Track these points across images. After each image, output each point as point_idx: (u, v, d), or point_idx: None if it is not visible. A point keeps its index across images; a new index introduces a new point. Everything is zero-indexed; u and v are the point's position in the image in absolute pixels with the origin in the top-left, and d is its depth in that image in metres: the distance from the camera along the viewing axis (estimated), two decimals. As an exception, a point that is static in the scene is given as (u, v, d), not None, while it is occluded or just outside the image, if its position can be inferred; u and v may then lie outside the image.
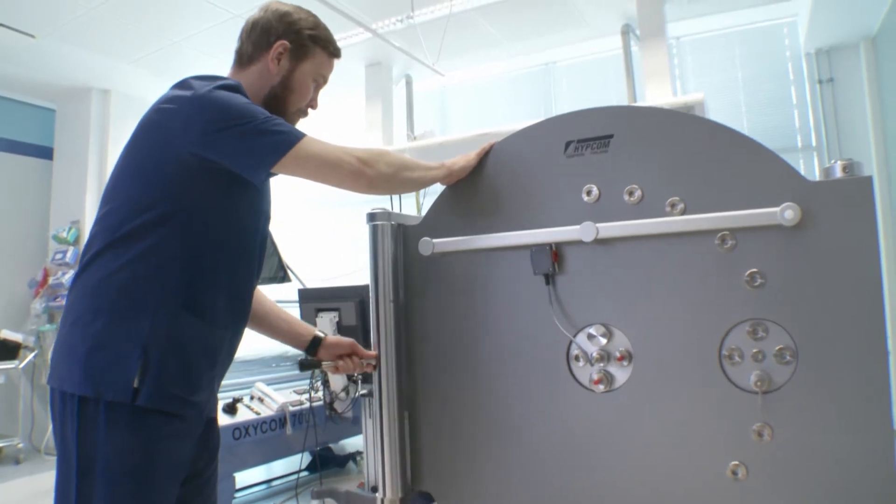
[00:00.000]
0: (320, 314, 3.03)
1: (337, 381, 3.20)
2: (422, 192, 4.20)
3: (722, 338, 1.36)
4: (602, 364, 1.47)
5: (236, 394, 3.36)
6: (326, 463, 3.87)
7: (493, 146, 1.66)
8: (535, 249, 1.53)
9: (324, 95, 1.62)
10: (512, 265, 1.58)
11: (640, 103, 4.15)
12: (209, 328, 1.37)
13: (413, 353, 1.70)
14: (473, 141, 3.61)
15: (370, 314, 1.71)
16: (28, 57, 4.68)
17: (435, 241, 1.67)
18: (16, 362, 4.88)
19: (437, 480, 1.65)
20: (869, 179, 1.27)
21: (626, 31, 4.46)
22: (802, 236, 1.30)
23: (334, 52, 1.59)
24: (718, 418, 1.35)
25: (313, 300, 3.12)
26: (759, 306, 1.33)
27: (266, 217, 1.54)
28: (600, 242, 1.48)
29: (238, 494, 3.49)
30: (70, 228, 5.29)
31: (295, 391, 3.60)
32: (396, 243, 1.73)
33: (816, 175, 1.32)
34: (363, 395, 3.06)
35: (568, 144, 1.55)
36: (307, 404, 3.38)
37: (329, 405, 3.23)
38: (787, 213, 1.30)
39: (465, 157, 1.66)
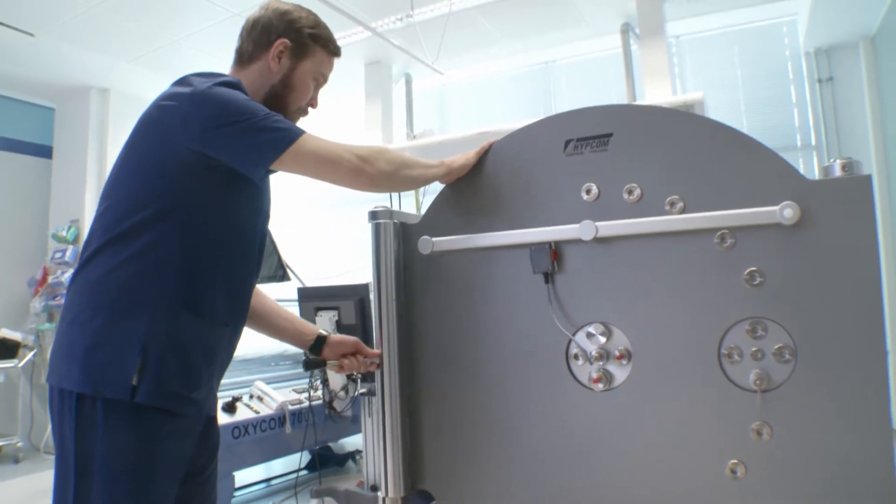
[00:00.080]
0: (319, 313, 3.03)
1: (336, 380, 3.19)
2: (421, 190, 4.22)
3: (721, 336, 1.36)
4: (601, 363, 1.47)
5: (235, 392, 3.36)
6: (326, 462, 3.87)
7: (493, 145, 1.66)
8: (535, 248, 1.53)
9: (323, 94, 1.62)
10: (511, 264, 1.58)
11: (639, 102, 4.15)
12: (208, 326, 1.37)
13: (413, 351, 1.70)
14: (473, 139, 3.60)
15: (373, 313, 1.71)
16: (27, 55, 4.68)
17: (434, 239, 1.67)
18: (15, 361, 4.88)
19: (436, 479, 1.65)
20: (868, 178, 1.27)
21: (626, 30, 4.47)
22: (801, 235, 1.30)
23: (334, 51, 1.59)
24: (717, 417, 1.35)
25: (313, 299, 3.12)
26: (758, 305, 1.33)
27: (265, 216, 1.54)
28: (599, 241, 1.48)
29: (237, 493, 3.49)
30: (69, 227, 5.29)
31: (294, 390, 3.60)
32: (399, 242, 1.72)
33: (816, 174, 1.32)
34: (362, 394, 3.06)
35: (567, 143, 1.55)
36: (306, 403, 3.38)
37: (328, 404, 3.22)
38: (786, 211, 1.30)
39: (464, 156, 1.66)
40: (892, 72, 3.89)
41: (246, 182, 1.40)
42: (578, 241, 1.50)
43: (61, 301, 4.99)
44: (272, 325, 1.68)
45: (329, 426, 3.43)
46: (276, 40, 1.50)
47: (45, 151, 5.71)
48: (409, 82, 5.58)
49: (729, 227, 1.36)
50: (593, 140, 1.52)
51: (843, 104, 4.26)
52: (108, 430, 1.23)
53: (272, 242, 3.56)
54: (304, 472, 3.70)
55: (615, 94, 4.89)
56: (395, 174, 1.49)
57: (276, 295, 1.76)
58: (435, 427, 1.66)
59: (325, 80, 1.60)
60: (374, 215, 1.71)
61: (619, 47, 4.52)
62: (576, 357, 1.50)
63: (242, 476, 3.57)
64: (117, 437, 1.23)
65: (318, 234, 6.07)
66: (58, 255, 5.24)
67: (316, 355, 1.69)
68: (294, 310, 2.89)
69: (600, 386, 1.46)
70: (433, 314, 1.68)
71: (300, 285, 3.44)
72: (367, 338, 1.75)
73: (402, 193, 4.06)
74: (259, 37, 1.51)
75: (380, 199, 2.11)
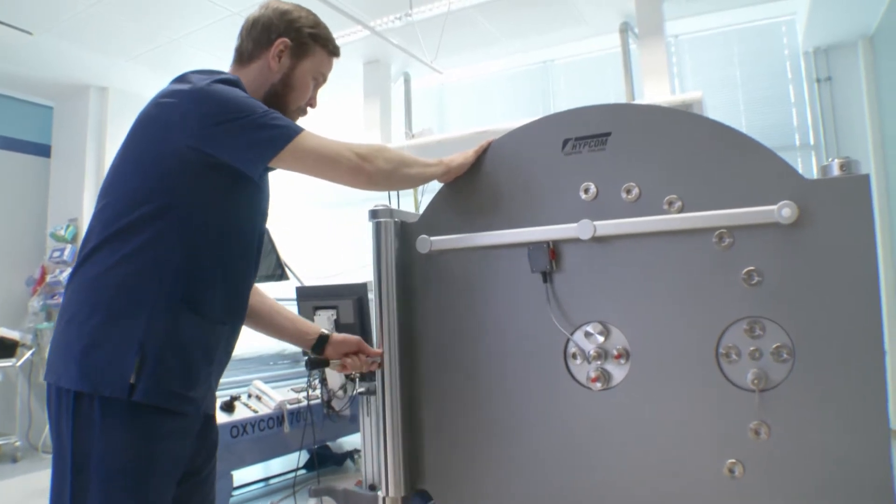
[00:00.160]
0: (318, 312, 3.03)
1: (335, 379, 3.19)
2: (420, 189, 4.21)
3: (719, 336, 1.36)
4: (599, 362, 1.47)
5: (234, 392, 3.36)
6: (324, 461, 3.87)
7: (491, 144, 1.66)
8: (533, 247, 1.53)
9: (322, 93, 1.62)
10: (510, 263, 1.58)
11: (638, 101, 4.16)
12: (207, 324, 1.36)
13: (413, 351, 1.70)
14: (471, 138, 3.60)
15: (374, 312, 1.70)
16: (26, 54, 4.67)
17: (432, 238, 1.67)
18: (13, 360, 4.87)
19: (436, 479, 1.65)
20: (866, 178, 1.27)
21: (625, 30, 4.47)
22: (800, 234, 1.30)
23: (334, 51, 1.60)
24: (715, 416, 1.35)
25: (311, 298, 3.12)
26: (756, 304, 1.33)
27: (264, 214, 1.54)
28: (598, 240, 1.48)
29: (236, 492, 3.49)
30: (68, 226, 5.29)
31: (293, 389, 3.60)
32: (400, 240, 1.72)
33: (814, 173, 1.32)
34: (361, 394, 3.07)
35: (566, 142, 1.55)
36: (305, 402, 3.38)
37: (327, 403, 3.22)
38: (784, 211, 1.30)
39: (463, 155, 1.66)
40: (891, 71, 3.89)
41: (246, 180, 1.40)
42: (576, 241, 1.50)
43: (59, 300, 4.97)
44: (273, 325, 1.68)
45: (327, 425, 3.43)
46: (276, 39, 1.50)
47: (43, 150, 5.70)
48: (407, 81, 5.57)
49: (727, 227, 1.36)
50: (592, 139, 1.52)
51: (841, 104, 4.27)
52: (105, 428, 1.23)
53: (270, 241, 3.56)
54: (302, 472, 3.70)
55: (614, 94, 4.89)
56: (393, 173, 1.50)
57: (274, 294, 1.76)
58: (434, 426, 1.66)
59: (324, 79, 1.60)
60: (374, 214, 1.70)
61: (618, 47, 4.52)
62: (574, 356, 1.50)
63: (241, 475, 3.57)
64: (114, 436, 1.23)
65: (317, 233, 6.07)
66: (56, 253, 5.24)
67: (318, 354, 1.69)
68: (292, 309, 2.89)
69: (598, 385, 1.46)
70: (432, 313, 1.68)
71: (299, 284, 3.45)
72: (365, 337, 1.75)
73: (400, 192, 4.06)
74: (259, 35, 1.51)
75: (379, 198, 2.11)
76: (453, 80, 5.71)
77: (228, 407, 3.17)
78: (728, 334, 1.35)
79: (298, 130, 1.37)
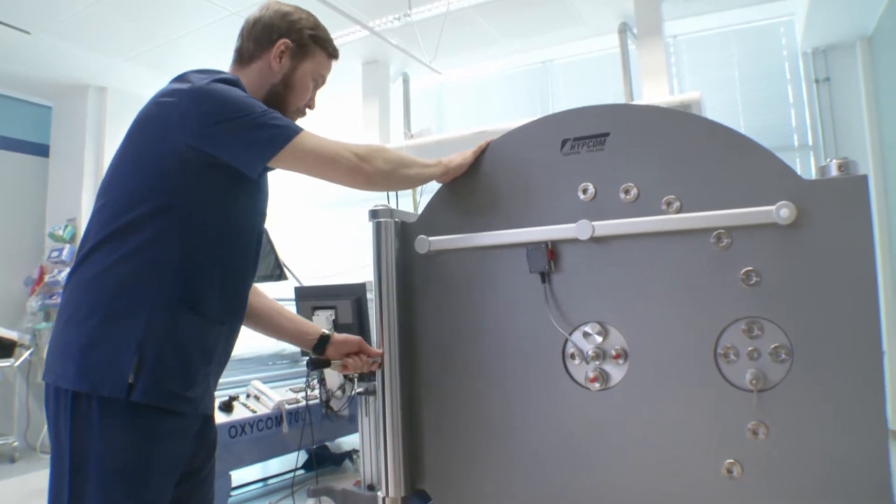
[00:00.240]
0: (317, 312, 3.03)
1: (333, 379, 3.19)
2: (419, 189, 4.22)
3: (717, 336, 1.36)
4: (598, 362, 1.47)
5: (232, 392, 3.36)
6: (322, 461, 3.87)
7: (490, 144, 1.66)
8: (531, 247, 1.53)
9: (321, 93, 1.63)
10: (508, 263, 1.58)
11: (636, 101, 4.16)
12: (205, 324, 1.36)
13: (413, 351, 1.70)
14: (470, 139, 3.61)
15: (374, 312, 1.70)
16: (24, 54, 4.67)
17: (431, 238, 1.67)
18: (11, 360, 4.87)
19: (436, 479, 1.65)
20: (864, 178, 1.27)
21: (624, 30, 4.47)
22: (798, 235, 1.30)
23: (333, 53, 1.60)
24: (714, 416, 1.35)
25: (310, 298, 3.12)
26: (754, 304, 1.33)
27: (263, 214, 1.54)
28: (596, 241, 1.48)
29: (234, 493, 3.49)
30: (66, 226, 5.28)
31: (291, 389, 3.60)
32: (399, 241, 1.72)
33: (812, 174, 1.32)
34: (359, 394, 3.07)
35: (564, 142, 1.55)
36: (303, 402, 3.38)
37: (325, 403, 3.22)
38: (782, 211, 1.30)
39: (461, 155, 1.66)
40: (889, 72, 3.90)
41: (245, 180, 1.40)
42: (575, 241, 1.50)
43: (58, 300, 4.97)
44: (273, 325, 1.67)
45: (326, 425, 3.43)
46: (277, 40, 1.50)
47: (41, 150, 5.70)
48: (406, 81, 5.57)
49: (725, 227, 1.36)
50: (590, 139, 1.52)
51: (839, 104, 4.27)
52: (103, 428, 1.22)
53: (269, 241, 3.56)
54: (300, 472, 3.70)
55: (612, 94, 4.89)
56: (392, 173, 1.50)
57: (272, 294, 1.76)
58: (433, 426, 1.66)
59: (323, 81, 1.61)
60: (374, 214, 1.70)
61: (617, 47, 4.52)
62: (572, 356, 1.50)
63: (239, 475, 3.57)
64: (113, 436, 1.23)
65: (316, 233, 6.07)
66: (54, 253, 5.23)
67: (319, 355, 1.69)
68: (291, 309, 2.89)
69: (597, 385, 1.46)
70: (432, 313, 1.68)
71: (297, 284, 3.45)
72: (364, 337, 1.75)
73: (399, 192, 4.06)
74: (260, 36, 1.51)
75: (377, 199, 2.11)
76: (452, 81, 5.71)
77: (227, 407, 3.17)
78: (726, 334, 1.36)
79: (298, 130, 1.37)
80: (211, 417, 1.51)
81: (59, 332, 1.31)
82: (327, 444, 3.99)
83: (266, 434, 3.25)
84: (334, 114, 5.43)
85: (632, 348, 1.44)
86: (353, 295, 2.95)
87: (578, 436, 1.48)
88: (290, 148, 1.34)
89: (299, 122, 1.56)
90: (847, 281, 1.26)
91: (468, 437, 1.61)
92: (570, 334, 1.51)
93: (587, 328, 1.49)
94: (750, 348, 1.33)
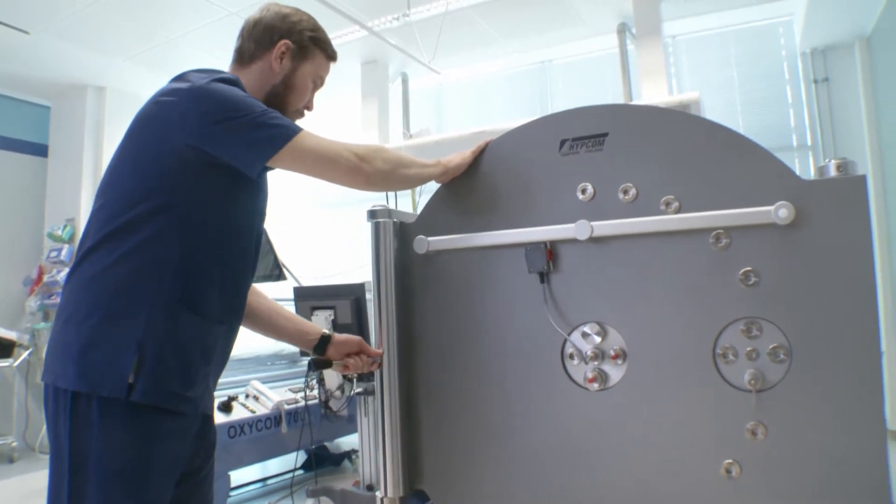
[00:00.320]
0: (316, 312, 3.03)
1: (332, 380, 3.19)
2: (418, 190, 4.21)
3: (716, 336, 1.36)
4: (596, 362, 1.47)
5: (232, 392, 3.36)
6: (322, 461, 3.87)
7: (489, 144, 1.66)
8: (530, 248, 1.53)
9: (320, 93, 1.64)
10: (507, 263, 1.58)
11: (635, 102, 4.16)
12: (205, 324, 1.36)
13: (412, 351, 1.70)
14: (469, 139, 3.61)
15: (373, 312, 1.70)
16: (23, 54, 4.66)
17: (430, 239, 1.67)
18: (10, 360, 4.87)
19: (435, 479, 1.65)
20: (863, 178, 1.28)
21: (623, 30, 4.48)
22: (796, 235, 1.31)
23: (332, 55, 1.61)
24: (712, 417, 1.35)
25: (309, 298, 3.12)
26: (753, 305, 1.33)
27: (262, 214, 1.54)
28: (595, 241, 1.48)
29: (233, 493, 3.48)
30: (65, 226, 5.28)
31: (290, 389, 3.60)
32: (398, 241, 1.72)
33: (811, 174, 1.32)
34: (358, 394, 3.06)
35: (563, 143, 1.55)
36: (302, 402, 3.38)
37: (324, 403, 3.22)
38: (781, 211, 1.30)
39: (460, 155, 1.67)
40: (888, 72, 3.90)
41: (245, 179, 1.40)
42: (574, 241, 1.50)
43: (57, 300, 4.96)
44: (272, 325, 1.67)
45: (325, 426, 3.43)
46: (278, 41, 1.51)
47: (40, 150, 5.69)
48: (405, 81, 5.57)
49: (724, 227, 1.36)
50: (589, 140, 1.52)
51: (838, 104, 4.27)
52: (103, 428, 1.22)
53: (268, 241, 3.56)
54: (300, 472, 3.70)
55: (611, 94, 4.89)
56: (392, 173, 1.50)
57: (271, 294, 1.76)
58: (433, 427, 1.66)
59: (321, 83, 1.62)
60: (373, 214, 1.71)
61: (616, 47, 4.52)
62: (571, 357, 1.50)
63: (238, 475, 3.57)
64: (113, 436, 1.23)
65: (315, 233, 6.06)
66: (53, 254, 5.22)
67: (320, 355, 1.69)
68: (290, 309, 2.89)
69: (595, 386, 1.46)
70: (431, 314, 1.68)
71: (296, 284, 3.44)
72: (363, 337, 1.75)
73: (398, 193, 4.06)
74: (261, 37, 1.51)
75: (376, 199, 2.12)
76: (451, 81, 5.71)
77: (226, 407, 3.17)
78: (725, 335, 1.36)
79: (297, 130, 1.37)
80: (210, 417, 1.51)
81: (59, 332, 1.31)
82: (326, 444, 3.99)
83: (265, 434, 3.25)
84: (333, 114, 5.42)
85: (630, 348, 1.44)
86: (352, 295, 2.95)
87: (577, 436, 1.48)
88: (289, 148, 1.35)
89: (298, 121, 1.56)
90: (846, 281, 1.26)
91: (467, 437, 1.61)
92: (569, 334, 1.51)
93: (586, 328, 1.49)
94: (749, 348, 1.33)
